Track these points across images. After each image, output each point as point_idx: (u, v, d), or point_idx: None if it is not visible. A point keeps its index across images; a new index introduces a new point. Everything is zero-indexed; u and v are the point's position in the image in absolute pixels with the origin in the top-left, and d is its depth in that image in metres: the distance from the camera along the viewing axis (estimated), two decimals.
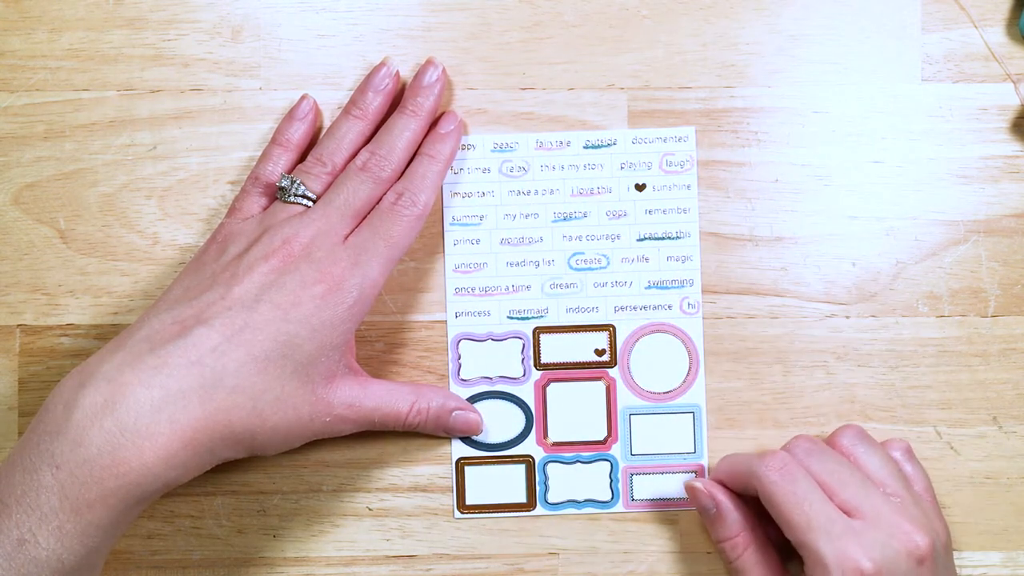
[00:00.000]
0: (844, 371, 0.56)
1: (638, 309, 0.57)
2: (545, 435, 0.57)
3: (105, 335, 0.56)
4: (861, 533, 0.50)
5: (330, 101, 0.57)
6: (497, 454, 0.57)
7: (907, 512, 0.51)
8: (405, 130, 0.54)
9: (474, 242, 0.57)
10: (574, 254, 0.57)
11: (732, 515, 0.53)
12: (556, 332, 0.57)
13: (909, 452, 0.56)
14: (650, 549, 0.57)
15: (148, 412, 0.46)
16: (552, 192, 0.57)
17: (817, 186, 0.57)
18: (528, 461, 0.57)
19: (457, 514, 0.57)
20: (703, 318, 0.57)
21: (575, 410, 0.57)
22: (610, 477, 0.57)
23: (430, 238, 0.57)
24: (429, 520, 0.57)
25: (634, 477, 0.57)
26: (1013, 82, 0.57)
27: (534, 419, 0.57)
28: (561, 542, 0.57)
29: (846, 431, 0.55)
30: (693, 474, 0.56)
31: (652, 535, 0.57)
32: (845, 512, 0.51)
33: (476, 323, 0.57)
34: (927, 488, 0.55)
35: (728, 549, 0.54)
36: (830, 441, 0.54)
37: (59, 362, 0.56)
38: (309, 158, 0.54)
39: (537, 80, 0.57)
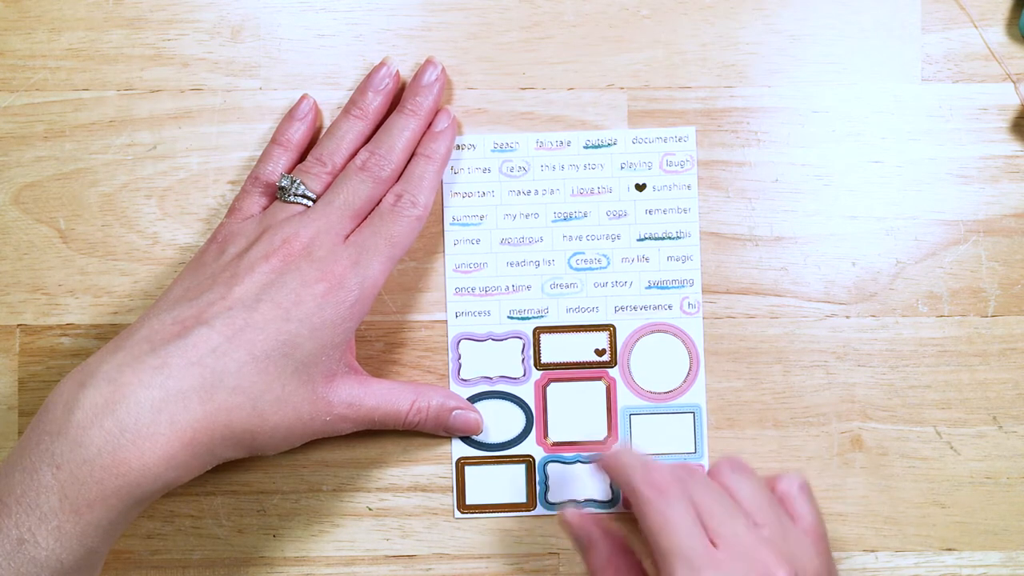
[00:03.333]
0: (844, 371, 0.56)
1: (638, 309, 0.57)
2: (545, 435, 0.57)
3: (105, 335, 0.56)
4: (721, 564, 0.47)
5: (330, 101, 0.57)
6: (497, 454, 0.57)
7: (772, 544, 0.48)
8: (404, 129, 0.54)
9: (474, 242, 0.57)
10: (574, 254, 0.57)
11: (602, 544, 0.51)
12: (556, 332, 0.57)
13: (804, 489, 0.52)
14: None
15: (148, 412, 0.46)
16: (552, 192, 0.57)
17: (817, 186, 0.57)
18: (528, 461, 0.57)
19: (457, 514, 0.57)
20: (703, 318, 0.57)
21: (575, 410, 0.57)
22: None
23: (430, 238, 0.57)
24: (429, 520, 0.57)
25: None
26: (1013, 82, 0.57)
27: (534, 419, 0.57)
28: (561, 542, 0.57)
29: (722, 461, 0.51)
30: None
31: None
32: (711, 541, 0.48)
33: (476, 323, 0.57)
34: (814, 527, 0.51)
35: None
36: (709, 473, 0.52)
37: (59, 362, 0.56)
38: (309, 158, 0.54)
39: (537, 80, 0.57)
